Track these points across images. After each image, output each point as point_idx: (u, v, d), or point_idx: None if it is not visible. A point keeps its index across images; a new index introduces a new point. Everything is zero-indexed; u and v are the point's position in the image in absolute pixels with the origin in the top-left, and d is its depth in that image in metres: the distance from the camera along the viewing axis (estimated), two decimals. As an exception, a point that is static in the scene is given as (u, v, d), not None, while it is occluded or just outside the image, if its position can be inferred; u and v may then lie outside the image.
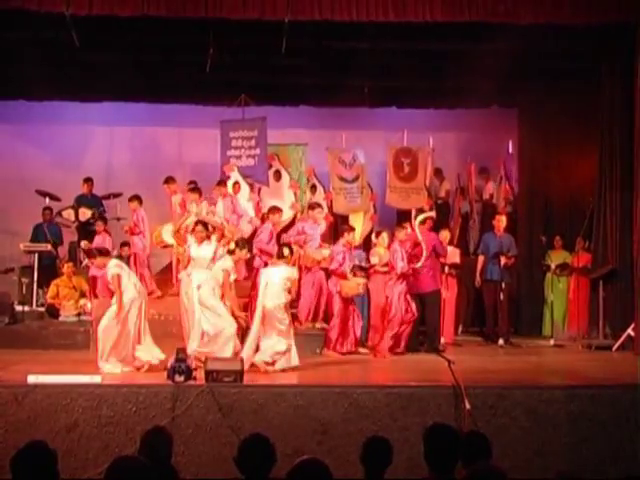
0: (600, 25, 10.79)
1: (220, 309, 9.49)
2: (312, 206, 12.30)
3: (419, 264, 11.22)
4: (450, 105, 14.10)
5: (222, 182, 12.81)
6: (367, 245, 12.78)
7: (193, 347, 9.29)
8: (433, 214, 12.68)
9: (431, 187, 14.56)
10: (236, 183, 13.23)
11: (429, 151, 14.32)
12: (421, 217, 11.94)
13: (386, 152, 14.28)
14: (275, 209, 11.98)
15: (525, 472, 7.48)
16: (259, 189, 13.78)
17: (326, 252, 11.45)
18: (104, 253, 10.06)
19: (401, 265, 10.83)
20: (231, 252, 10.14)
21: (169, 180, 12.85)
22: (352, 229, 11.69)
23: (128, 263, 11.50)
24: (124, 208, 13.29)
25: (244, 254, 10.38)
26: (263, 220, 12.21)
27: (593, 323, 12.43)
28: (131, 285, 9.42)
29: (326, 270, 11.43)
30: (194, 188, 12.10)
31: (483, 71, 11.85)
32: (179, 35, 11.57)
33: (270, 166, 13.88)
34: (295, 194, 13.74)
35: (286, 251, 9.88)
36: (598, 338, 11.98)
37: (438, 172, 14.87)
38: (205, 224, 10.18)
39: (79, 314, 11.96)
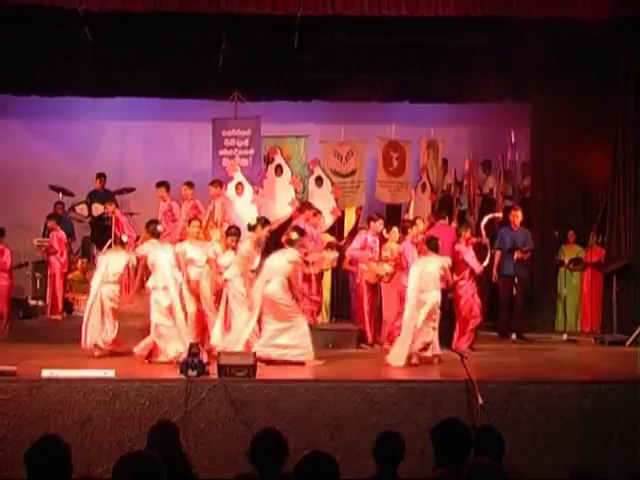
0: (614, 19, 10.71)
1: None
2: (374, 218, 11.82)
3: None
4: (462, 100, 14.00)
5: (216, 182, 12.55)
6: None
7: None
8: (499, 215, 12.51)
9: (438, 181, 14.46)
10: (239, 184, 13.08)
11: (439, 144, 14.22)
12: (486, 219, 11.93)
13: (376, 146, 14.15)
14: (317, 212, 11.98)
15: (538, 467, 7.47)
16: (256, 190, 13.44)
17: (388, 268, 11.22)
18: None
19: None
20: (252, 228, 9.95)
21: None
22: (413, 224, 11.61)
23: None
24: (137, 203, 13.32)
25: (265, 232, 10.23)
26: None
27: (606, 318, 12.38)
28: None
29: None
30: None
31: (496, 65, 11.81)
32: (191, 30, 11.58)
33: (272, 160, 13.61)
34: (296, 190, 13.53)
35: (294, 235, 9.85)
36: (611, 333, 11.93)
37: (444, 165, 14.80)
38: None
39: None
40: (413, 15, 10.51)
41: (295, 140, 13.89)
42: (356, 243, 11.65)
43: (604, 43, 11.87)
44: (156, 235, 9.96)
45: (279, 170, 13.57)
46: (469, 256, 10.96)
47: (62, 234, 12.49)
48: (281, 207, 13.26)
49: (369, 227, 11.82)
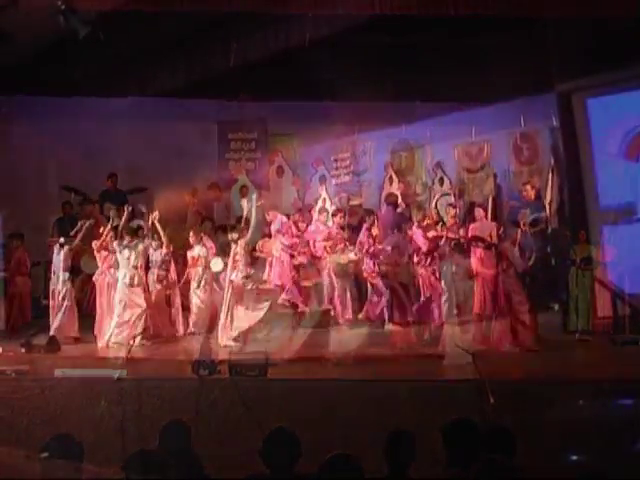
0: (631, 17, 10.62)
1: None
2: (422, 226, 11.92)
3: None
4: (473, 99, 13.98)
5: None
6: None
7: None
8: (543, 215, 12.57)
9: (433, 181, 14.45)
10: (244, 187, 13.09)
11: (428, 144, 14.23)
12: (531, 218, 12.04)
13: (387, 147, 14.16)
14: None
15: (549, 467, 7.45)
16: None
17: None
18: None
19: None
20: (232, 228, 10.13)
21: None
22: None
23: None
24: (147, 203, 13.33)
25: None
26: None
27: (619, 318, 12.34)
28: None
29: None
30: None
31: (508, 64, 11.76)
32: (202, 30, 11.60)
33: (273, 162, 13.67)
34: (297, 191, 13.51)
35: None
36: (624, 333, 11.88)
37: (438, 166, 14.78)
38: None
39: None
40: (424, 15, 10.48)
41: (288, 139, 13.90)
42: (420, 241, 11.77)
43: (621, 41, 11.81)
44: (130, 232, 9.96)
45: (280, 171, 13.60)
46: (512, 254, 11.10)
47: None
48: (285, 208, 13.28)
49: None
